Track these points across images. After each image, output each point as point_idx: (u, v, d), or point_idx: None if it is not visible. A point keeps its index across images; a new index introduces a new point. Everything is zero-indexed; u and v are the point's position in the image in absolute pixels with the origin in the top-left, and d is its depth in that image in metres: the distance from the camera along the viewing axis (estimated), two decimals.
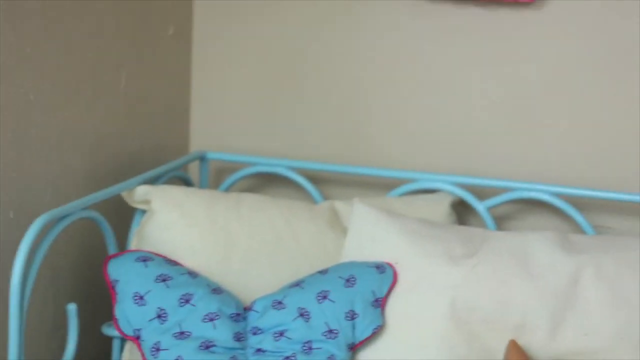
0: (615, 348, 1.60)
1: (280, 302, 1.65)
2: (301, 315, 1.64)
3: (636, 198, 1.79)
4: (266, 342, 1.63)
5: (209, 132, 2.10)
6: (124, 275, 1.66)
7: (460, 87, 1.94)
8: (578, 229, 1.85)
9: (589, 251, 1.68)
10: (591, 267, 1.65)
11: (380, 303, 1.66)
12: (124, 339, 1.73)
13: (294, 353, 1.61)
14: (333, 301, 1.65)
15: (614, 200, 1.82)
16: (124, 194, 1.77)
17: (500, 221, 1.94)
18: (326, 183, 2.04)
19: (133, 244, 1.77)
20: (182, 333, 1.61)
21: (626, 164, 1.85)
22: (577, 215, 1.84)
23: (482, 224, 1.90)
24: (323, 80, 2.02)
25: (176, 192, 1.80)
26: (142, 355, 1.62)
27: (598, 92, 1.87)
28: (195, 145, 2.12)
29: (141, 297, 1.64)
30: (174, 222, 1.76)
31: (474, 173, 1.93)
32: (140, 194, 1.78)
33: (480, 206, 1.89)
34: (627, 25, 1.82)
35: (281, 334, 1.63)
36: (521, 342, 1.61)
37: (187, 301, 1.63)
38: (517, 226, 1.94)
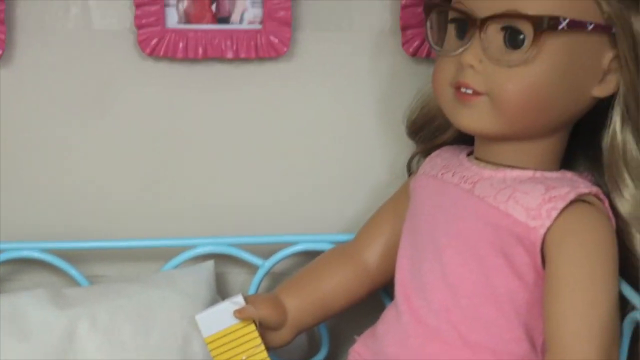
0: None
1: None
2: None
3: (120, 244, 1.82)
4: None
5: None
6: None
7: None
8: (75, 282, 1.84)
9: (82, 303, 1.67)
10: (85, 318, 1.65)
11: None
12: None
13: None
14: None
15: (103, 248, 1.83)
16: None
17: None
18: None
19: None
20: None
21: (119, 212, 1.88)
22: (70, 269, 1.82)
23: None
24: None
25: None
26: None
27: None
28: None
29: None
30: None
31: None
32: None
33: None
34: None
35: None
36: None
37: None
38: (13, 288, 1.87)
